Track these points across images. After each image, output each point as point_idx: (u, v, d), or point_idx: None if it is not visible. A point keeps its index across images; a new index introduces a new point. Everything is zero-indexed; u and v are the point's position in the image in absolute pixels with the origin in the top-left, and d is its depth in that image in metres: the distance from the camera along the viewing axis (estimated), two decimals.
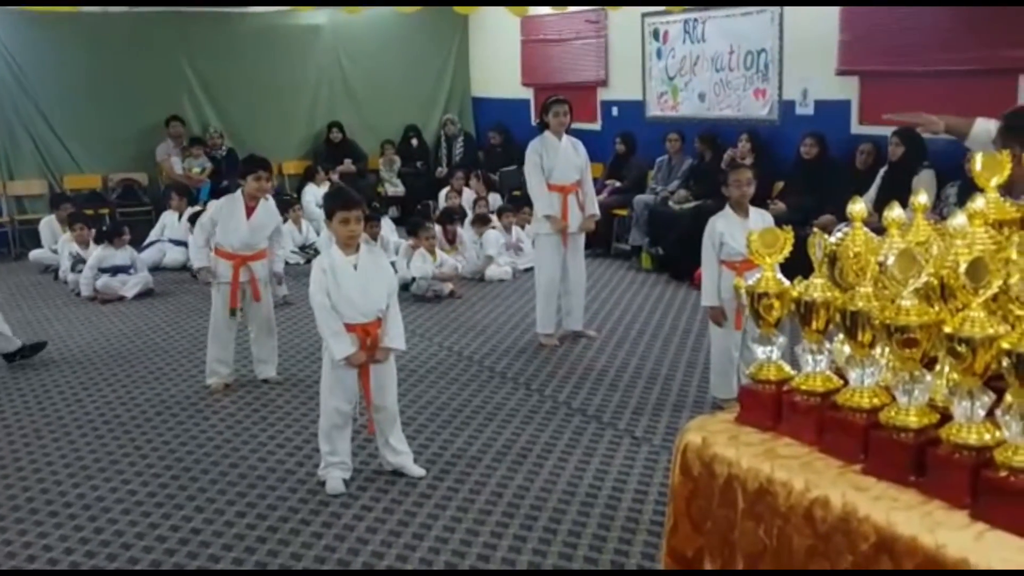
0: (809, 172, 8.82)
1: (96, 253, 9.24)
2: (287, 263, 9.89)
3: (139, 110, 11.88)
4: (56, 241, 10.30)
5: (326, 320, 4.59)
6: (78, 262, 9.45)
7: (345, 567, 4.00)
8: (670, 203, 9.91)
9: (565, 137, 7.10)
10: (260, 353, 6.49)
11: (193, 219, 8.84)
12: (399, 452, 4.89)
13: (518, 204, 10.50)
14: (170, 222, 10.67)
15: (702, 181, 9.69)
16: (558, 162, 7.04)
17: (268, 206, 6.38)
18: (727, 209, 5.60)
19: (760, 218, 5.50)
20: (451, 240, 9.82)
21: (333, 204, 4.68)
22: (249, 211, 6.25)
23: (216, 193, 10.22)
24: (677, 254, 9.20)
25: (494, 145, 13.19)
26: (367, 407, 4.75)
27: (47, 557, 4.14)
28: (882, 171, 8.09)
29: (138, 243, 9.82)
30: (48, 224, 10.63)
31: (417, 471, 4.88)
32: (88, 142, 11.86)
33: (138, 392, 6.36)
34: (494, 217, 10.36)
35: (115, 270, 9.19)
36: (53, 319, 8.40)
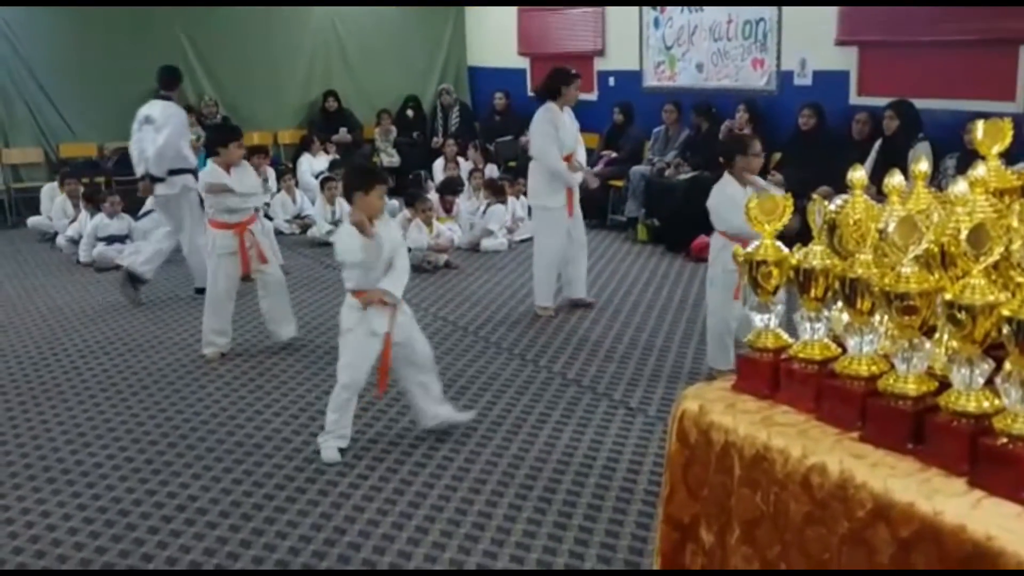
0: (807, 143, 8.76)
1: (93, 222, 9.31)
2: (281, 233, 9.90)
3: (134, 79, 11.72)
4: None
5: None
6: (72, 221, 9.56)
7: (341, 534, 4.01)
8: (667, 174, 9.88)
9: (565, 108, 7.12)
10: (275, 314, 6.47)
11: None
12: (444, 403, 5.00)
13: (515, 175, 10.45)
14: None
15: (699, 152, 9.66)
16: (566, 133, 7.05)
17: (243, 165, 6.43)
18: (730, 179, 5.50)
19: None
20: (448, 210, 9.80)
21: (372, 179, 4.62)
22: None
23: None
24: (673, 225, 9.18)
25: (495, 111, 13.12)
26: (381, 377, 4.73)
27: (45, 524, 4.15)
28: (878, 143, 8.05)
29: (134, 212, 9.78)
30: (49, 191, 10.59)
31: (464, 416, 5.06)
32: (84, 111, 11.78)
33: (135, 360, 6.36)
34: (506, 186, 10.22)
35: (111, 239, 9.24)
36: (50, 287, 8.40)
